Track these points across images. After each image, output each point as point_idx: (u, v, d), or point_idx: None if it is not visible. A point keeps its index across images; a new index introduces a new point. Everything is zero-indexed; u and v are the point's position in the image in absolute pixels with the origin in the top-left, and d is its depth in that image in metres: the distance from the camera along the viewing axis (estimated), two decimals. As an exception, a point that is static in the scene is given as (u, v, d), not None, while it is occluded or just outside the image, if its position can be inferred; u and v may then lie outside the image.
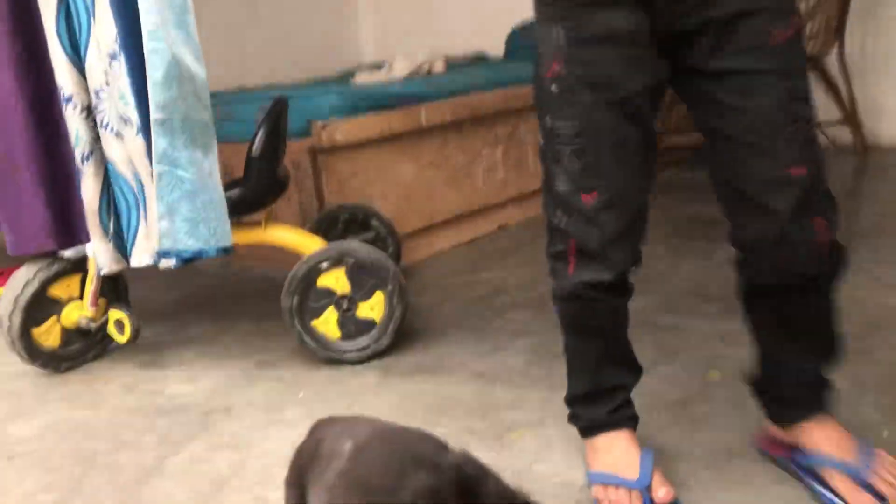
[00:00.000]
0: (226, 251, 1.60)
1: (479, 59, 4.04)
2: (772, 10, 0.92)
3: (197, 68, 1.49)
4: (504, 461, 1.20)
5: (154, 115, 1.46)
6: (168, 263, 1.59)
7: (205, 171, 1.53)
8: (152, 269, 1.68)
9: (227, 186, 1.70)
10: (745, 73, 0.93)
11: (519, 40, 4.07)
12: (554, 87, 0.98)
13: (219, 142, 1.58)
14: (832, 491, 1.02)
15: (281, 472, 1.24)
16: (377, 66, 3.44)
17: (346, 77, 3.56)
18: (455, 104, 2.53)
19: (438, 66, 3.23)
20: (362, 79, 3.12)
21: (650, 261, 2.19)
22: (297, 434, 1.41)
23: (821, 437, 1.05)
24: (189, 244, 1.54)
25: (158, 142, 1.47)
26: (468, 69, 3.21)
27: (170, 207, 1.51)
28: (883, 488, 0.99)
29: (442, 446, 0.83)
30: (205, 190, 1.53)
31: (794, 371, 1.08)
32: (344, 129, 2.19)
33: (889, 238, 2.19)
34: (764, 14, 0.92)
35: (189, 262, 1.62)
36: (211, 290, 2.39)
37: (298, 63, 4.45)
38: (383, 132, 2.31)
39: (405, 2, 4.84)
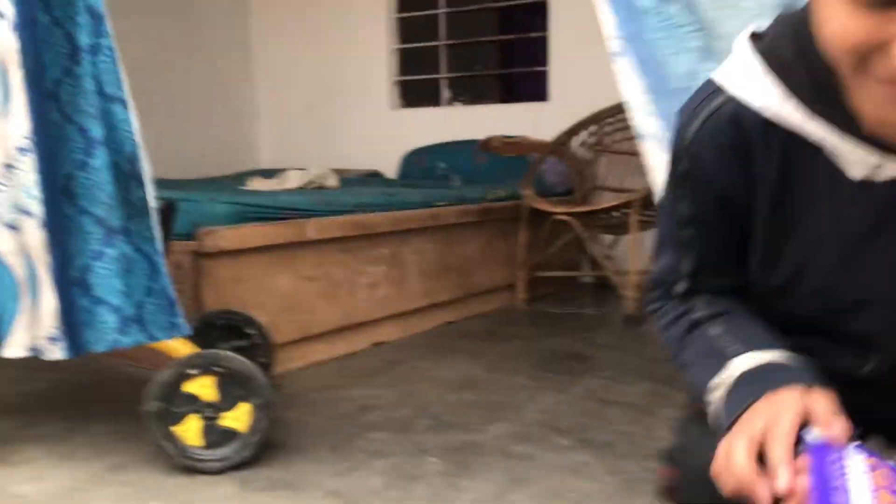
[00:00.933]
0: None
1: (372, 177, 4.21)
2: None
3: None
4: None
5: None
6: (55, 353, 1.58)
7: None
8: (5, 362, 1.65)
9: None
10: None
11: (412, 164, 4.29)
12: None
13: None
14: None
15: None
16: (271, 175, 3.53)
17: (239, 180, 3.63)
18: (342, 221, 2.64)
19: (331, 181, 3.37)
20: (254, 185, 3.21)
21: (510, 390, 2.32)
22: (142, 545, 1.39)
23: None
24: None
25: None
26: (359, 187, 3.36)
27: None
28: None
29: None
30: None
31: None
32: (228, 237, 2.25)
33: None
34: None
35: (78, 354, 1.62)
36: (66, 386, 2.32)
37: (194, 161, 4.49)
38: (268, 242, 2.37)
39: (304, 114, 5.02)
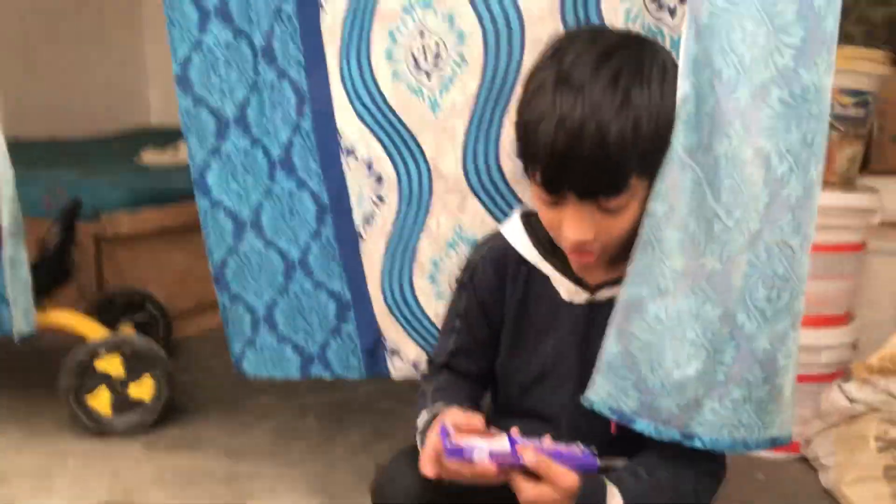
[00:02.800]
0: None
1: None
2: None
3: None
4: (240, 523, 1.58)
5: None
6: None
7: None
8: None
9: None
10: None
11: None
12: None
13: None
14: None
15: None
16: (163, 142, 3.68)
17: (131, 147, 3.75)
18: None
19: (222, 152, 3.56)
20: (149, 159, 3.38)
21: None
22: (64, 500, 1.71)
23: None
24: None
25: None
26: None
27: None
28: None
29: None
30: None
31: None
32: (127, 223, 2.49)
33: None
34: None
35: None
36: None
37: (81, 116, 4.51)
38: (164, 225, 2.62)
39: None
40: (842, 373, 1.86)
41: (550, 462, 0.87)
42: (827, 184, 1.85)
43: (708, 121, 0.88)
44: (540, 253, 1.05)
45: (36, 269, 2.02)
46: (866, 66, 1.86)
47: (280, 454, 1.93)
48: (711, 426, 0.94)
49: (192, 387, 2.32)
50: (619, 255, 0.99)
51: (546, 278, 1.05)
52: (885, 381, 1.72)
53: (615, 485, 0.92)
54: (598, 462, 0.92)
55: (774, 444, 0.99)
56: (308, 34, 1.39)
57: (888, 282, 2.12)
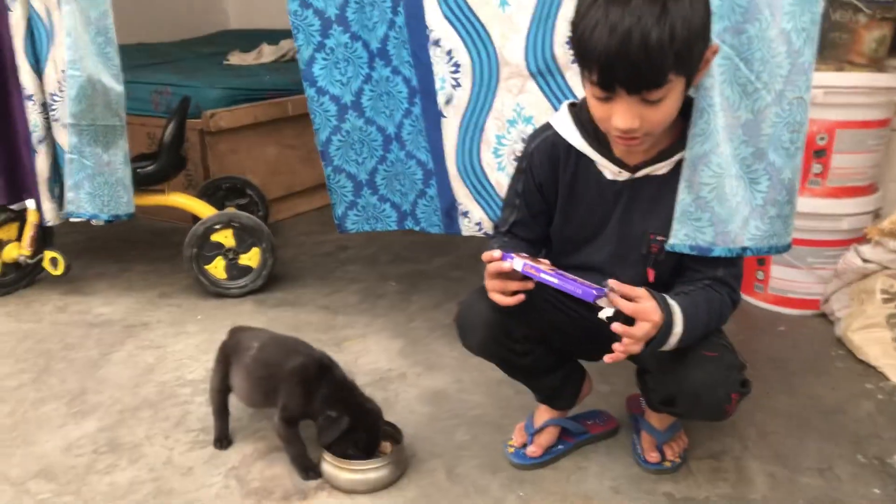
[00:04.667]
0: (117, 217, 2.23)
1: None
2: None
3: (113, 84, 2.09)
4: (340, 357, 1.90)
5: (67, 120, 2.07)
6: (98, 222, 2.22)
7: (103, 161, 2.16)
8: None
9: (141, 159, 2.35)
10: None
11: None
12: None
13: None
14: (641, 444, 1.55)
15: (190, 364, 1.98)
16: (245, 46, 3.98)
17: (216, 49, 4.06)
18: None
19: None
20: (235, 60, 3.70)
21: (451, 232, 2.96)
22: (198, 341, 2.11)
23: (655, 418, 1.54)
24: (87, 209, 2.20)
25: (70, 139, 2.10)
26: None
27: (76, 184, 2.15)
28: (668, 453, 1.51)
29: (310, 346, 1.57)
30: (101, 174, 2.17)
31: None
32: (226, 118, 2.83)
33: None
34: None
35: (108, 222, 2.24)
36: (107, 236, 2.95)
37: (165, 22, 4.82)
38: (257, 119, 2.95)
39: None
40: (861, 238, 2.08)
41: (633, 287, 1.16)
42: (855, 64, 2.06)
43: (739, 10, 1.17)
44: (586, 140, 1.29)
45: (156, 160, 2.40)
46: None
47: (367, 310, 2.29)
48: (756, 239, 1.27)
49: (289, 260, 2.70)
50: (655, 140, 1.24)
51: (592, 162, 1.30)
52: (895, 242, 1.94)
53: (672, 299, 1.21)
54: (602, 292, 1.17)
55: (788, 248, 1.32)
56: None
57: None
